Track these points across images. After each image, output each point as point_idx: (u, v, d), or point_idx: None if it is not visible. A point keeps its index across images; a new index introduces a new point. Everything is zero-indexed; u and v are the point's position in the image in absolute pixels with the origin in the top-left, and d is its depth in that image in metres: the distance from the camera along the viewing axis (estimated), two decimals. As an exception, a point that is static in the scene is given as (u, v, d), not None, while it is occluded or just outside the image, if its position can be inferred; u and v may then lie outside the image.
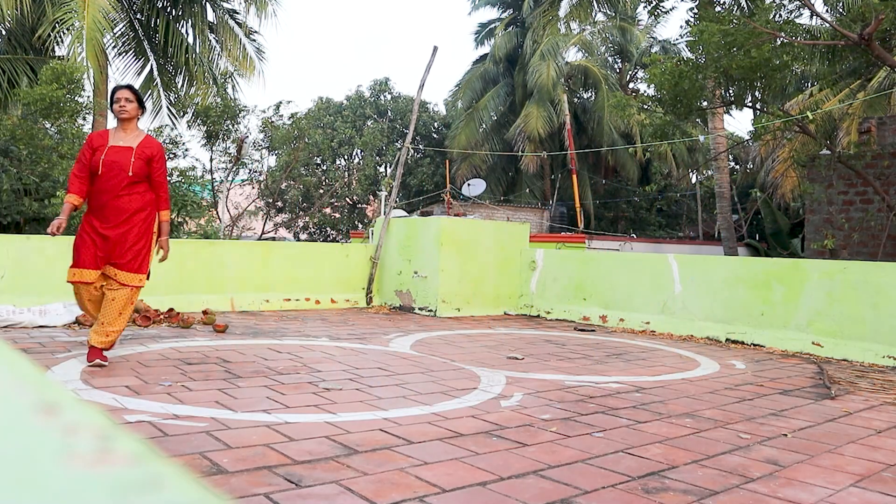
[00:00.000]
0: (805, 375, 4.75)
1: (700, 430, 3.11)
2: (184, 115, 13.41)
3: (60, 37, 12.00)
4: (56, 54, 12.50)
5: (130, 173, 4.04)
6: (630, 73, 25.92)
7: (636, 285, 7.21)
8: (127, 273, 4.06)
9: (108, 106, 4.22)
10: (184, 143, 10.40)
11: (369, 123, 24.90)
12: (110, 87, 13.10)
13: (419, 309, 7.94)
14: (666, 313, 6.90)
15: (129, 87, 4.20)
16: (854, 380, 4.63)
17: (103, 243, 4.02)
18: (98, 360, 3.95)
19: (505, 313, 8.26)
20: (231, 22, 14.19)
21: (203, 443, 2.57)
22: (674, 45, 22.65)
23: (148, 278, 4.19)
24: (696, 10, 9.86)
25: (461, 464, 2.48)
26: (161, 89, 13.66)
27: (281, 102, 14.91)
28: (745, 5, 10.46)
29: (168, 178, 9.78)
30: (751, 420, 3.36)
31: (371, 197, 23.65)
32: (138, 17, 13.61)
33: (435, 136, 26.79)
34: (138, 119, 4.24)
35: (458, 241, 7.95)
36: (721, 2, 10.41)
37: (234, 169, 13.76)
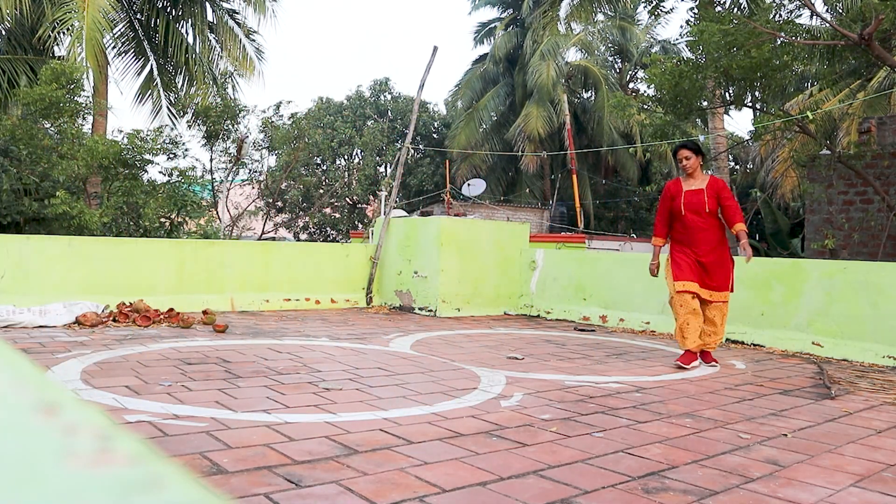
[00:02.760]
0: (805, 375, 4.75)
1: (700, 430, 3.11)
2: (184, 115, 13.41)
3: (60, 37, 12.01)
4: (56, 54, 12.51)
5: (707, 210, 4.87)
6: (630, 73, 25.92)
7: (636, 285, 7.21)
8: (721, 292, 4.91)
9: (675, 165, 5.20)
10: (184, 143, 10.38)
11: (369, 123, 24.90)
12: (110, 87, 13.11)
13: (419, 309, 7.94)
14: (666, 313, 6.89)
15: (687, 145, 5.02)
16: (854, 380, 4.63)
17: (699, 268, 4.88)
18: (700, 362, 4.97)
19: (505, 313, 8.26)
20: (231, 22, 14.20)
21: (203, 443, 2.57)
22: (674, 45, 22.67)
23: (731, 290, 4.99)
24: (696, 10, 9.87)
25: (461, 464, 2.48)
26: (161, 89, 13.67)
27: (281, 102, 14.91)
28: (745, 5, 10.46)
29: (168, 178, 9.81)
30: (751, 420, 3.36)
31: (371, 197, 23.64)
32: (138, 17, 13.62)
33: (435, 136, 26.78)
34: (700, 167, 5.03)
35: (458, 241, 7.95)
36: (721, 2, 10.41)
37: (234, 169, 13.75)
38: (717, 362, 5.03)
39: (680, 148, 5.01)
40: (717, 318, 4.93)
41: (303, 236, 22.17)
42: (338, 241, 19.85)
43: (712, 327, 4.94)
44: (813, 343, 5.79)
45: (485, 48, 25.84)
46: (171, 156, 10.04)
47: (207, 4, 13.85)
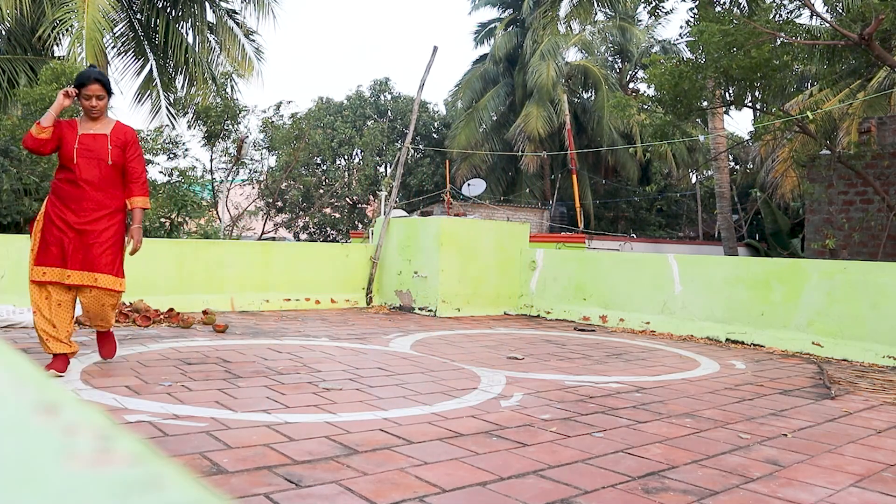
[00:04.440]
0: (805, 375, 4.75)
1: (700, 430, 3.11)
2: (184, 115, 13.42)
3: (60, 37, 12.01)
4: (56, 54, 12.51)
5: (110, 162, 3.79)
6: (630, 73, 25.92)
7: (636, 285, 7.21)
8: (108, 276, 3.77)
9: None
10: (184, 143, 10.40)
11: (369, 123, 24.89)
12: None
13: (419, 309, 7.94)
14: (666, 313, 6.90)
15: (99, 79, 3.84)
16: (854, 380, 4.63)
17: (78, 238, 3.73)
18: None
19: (505, 313, 8.26)
20: (230, 22, 14.20)
21: (203, 443, 2.57)
22: (674, 45, 22.66)
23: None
24: (696, 11, 9.87)
25: (461, 464, 2.48)
26: (161, 89, 13.67)
27: (281, 102, 14.92)
28: (744, 5, 10.46)
29: (168, 178, 9.83)
30: (751, 420, 3.36)
31: (371, 197, 23.64)
32: (138, 17, 13.62)
33: (435, 136, 26.78)
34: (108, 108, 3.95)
35: (458, 241, 7.95)
36: (721, 2, 10.41)
37: (234, 169, 13.76)
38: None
39: (95, 81, 3.80)
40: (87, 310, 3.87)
41: (303, 236, 22.17)
42: (338, 241, 19.86)
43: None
44: (813, 343, 5.79)
45: (485, 48, 25.84)
46: (172, 156, 10.04)
47: (207, 4, 13.85)
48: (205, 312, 6.22)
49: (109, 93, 3.89)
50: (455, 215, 15.24)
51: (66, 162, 3.77)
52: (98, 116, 3.86)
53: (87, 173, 3.75)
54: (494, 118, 24.23)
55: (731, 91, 10.01)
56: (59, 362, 3.69)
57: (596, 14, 16.02)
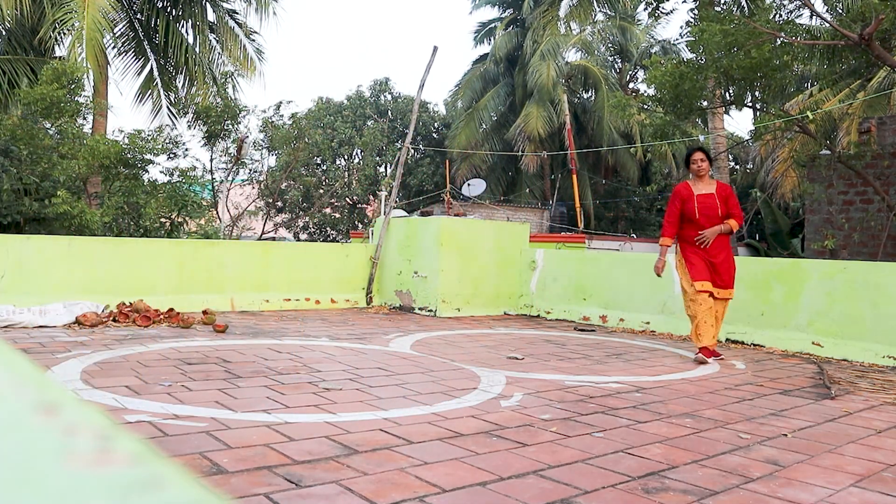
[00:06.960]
0: (805, 375, 4.75)
1: (700, 430, 3.11)
2: (184, 115, 13.41)
3: (60, 37, 12.01)
4: (56, 55, 12.51)
5: (720, 214, 5.20)
6: (630, 73, 25.92)
7: (636, 285, 7.21)
8: (727, 290, 5.23)
9: (685, 165, 5.38)
10: (184, 143, 10.39)
11: (369, 123, 24.89)
12: (110, 87, 13.11)
13: (419, 309, 7.94)
14: (666, 313, 6.89)
15: (703, 149, 5.44)
16: (854, 380, 4.63)
17: (711, 268, 5.18)
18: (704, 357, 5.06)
19: (505, 313, 8.26)
20: (231, 22, 14.20)
21: (203, 443, 2.57)
22: (674, 45, 22.68)
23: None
24: (696, 11, 9.87)
25: (461, 464, 2.48)
26: (161, 89, 13.66)
27: (281, 102, 14.90)
28: (745, 5, 10.46)
29: (169, 178, 9.82)
30: (751, 420, 3.36)
31: (371, 197, 23.64)
32: (138, 17, 13.61)
33: (435, 136, 26.78)
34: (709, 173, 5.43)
35: (458, 241, 7.95)
36: (721, 2, 10.41)
37: (234, 169, 13.74)
38: (720, 355, 5.33)
39: (697, 150, 5.38)
40: (721, 314, 5.26)
41: (303, 236, 22.17)
42: (338, 241, 19.86)
43: (717, 323, 5.26)
44: (813, 343, 5.79)
45: (485, 48, 25.84)
46: (172, 156, 10.04)
47: (208, 4, 13.85)
48: (205, 312, 6.22)
49: (710, 158, 5.41)
50: (455, 215, 15.24)
51: (689, 216, 5.22)
52: (702, 177, 5.30)
53: (708, 225, 5.19)
54: (494, 118, 24.23)
55: (731, 91, 10.01)
56: (707, 352, 5.09)
57: (596, 14, 16.02)
